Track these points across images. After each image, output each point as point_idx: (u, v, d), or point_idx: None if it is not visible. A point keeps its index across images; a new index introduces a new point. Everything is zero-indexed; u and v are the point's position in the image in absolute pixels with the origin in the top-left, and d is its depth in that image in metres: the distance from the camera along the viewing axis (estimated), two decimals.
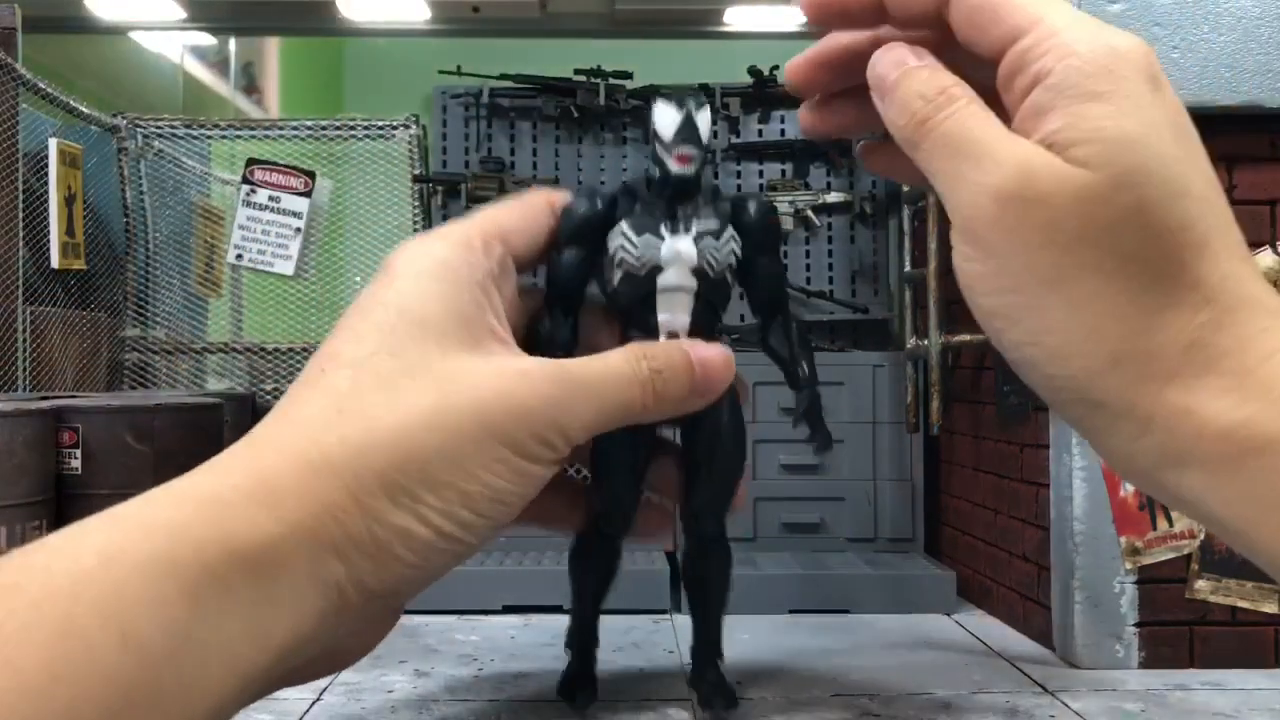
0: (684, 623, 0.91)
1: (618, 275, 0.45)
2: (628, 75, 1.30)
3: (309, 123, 1.29)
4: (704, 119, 0.43)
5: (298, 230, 1.20)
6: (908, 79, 0.35)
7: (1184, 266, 0.31)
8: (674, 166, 0.43)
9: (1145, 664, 0.74)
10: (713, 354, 0.43)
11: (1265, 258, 0.74)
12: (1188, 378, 0.30)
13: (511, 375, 0.36)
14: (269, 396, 1.16)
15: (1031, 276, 0.31)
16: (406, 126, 1.27)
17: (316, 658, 0.36)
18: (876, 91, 0.37)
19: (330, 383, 0.35)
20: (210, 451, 0.33)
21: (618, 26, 1.57)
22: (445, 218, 1.27)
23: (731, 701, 0.58)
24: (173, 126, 1.31)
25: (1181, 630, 0.74)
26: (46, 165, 1.12)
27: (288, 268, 1.20)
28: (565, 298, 0.45)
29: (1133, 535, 0.74)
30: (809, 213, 1.33)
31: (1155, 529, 0.74)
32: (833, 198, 1.33)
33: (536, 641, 0.81)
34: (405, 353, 0.35)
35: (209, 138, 1.34)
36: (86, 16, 1.60)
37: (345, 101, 2.24)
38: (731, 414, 0.50)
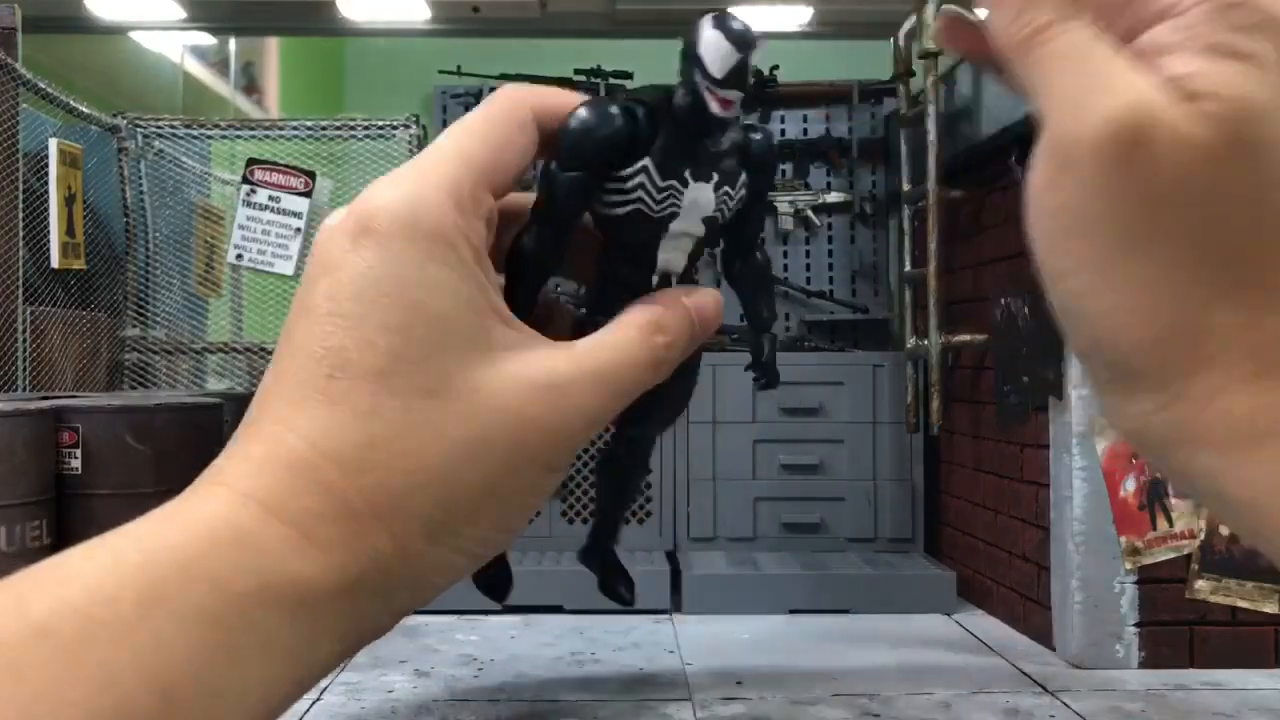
0: (684, 623, 0.91)
1: (625, 209, 0.42)
2: (628, 75, 1.30)
3: (309, 123, 1.29)
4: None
5: (298, 230, 1.20)
6: None
7: (1276, 261, 0.29)
8: (716, 108, 0.39)
9: (1145, 664, 0.74)
10: (706, 300, 0.42)
11: None
12: (1238, 369, 0.29)
13: (545, 392, 0.35)
14: None
15: (1115, 223, 0.29)
16: (407, 126, 1.27)
17: None
18: None
19: (347, 398, 0.33)
20: (210, 451, 0.33)
21: (618, 26, 1.57)
22: None
23: (630, 584, 0.56)
24: (173, 126, 1.31)
25: (1181, 630, 0.74)
26: (46, 165, 1.11)
27: (288, 268, 1.20)
28: (562, 221, 0.40)
29: (1133, 535, 0.74)
30: (809, 213, 1.32)
31: (1155, 529, 0.74)
32: (833, 198, 1.33)
33: (536, 641, 0.81)
34: (425, 363, 0.34)
35: (209, 138, 1.34)
36: (86, 16, 1.60)
37: (345, 101, 2.25)
38: None
